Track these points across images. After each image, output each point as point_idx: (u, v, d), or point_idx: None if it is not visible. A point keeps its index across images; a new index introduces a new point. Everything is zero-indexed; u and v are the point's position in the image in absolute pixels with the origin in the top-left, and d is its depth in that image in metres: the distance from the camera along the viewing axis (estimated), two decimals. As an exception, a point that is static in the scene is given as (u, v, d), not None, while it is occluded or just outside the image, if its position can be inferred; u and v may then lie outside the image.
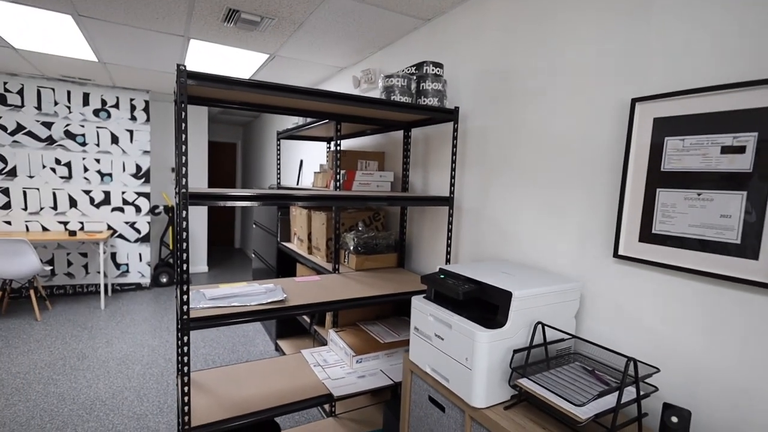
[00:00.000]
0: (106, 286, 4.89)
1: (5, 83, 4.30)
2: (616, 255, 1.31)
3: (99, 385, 2.73)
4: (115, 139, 4.81)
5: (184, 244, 1.37)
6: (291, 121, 4.91)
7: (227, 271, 6.09)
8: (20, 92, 4.36)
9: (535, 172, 1.62)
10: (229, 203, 1.40)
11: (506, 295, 1.22)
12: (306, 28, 2.51)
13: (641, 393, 1.06)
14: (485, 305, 1.33)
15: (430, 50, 2.27)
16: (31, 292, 3.90)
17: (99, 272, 4.85)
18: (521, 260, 1.69)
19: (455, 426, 1.29)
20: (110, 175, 4.83)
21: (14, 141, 4.40)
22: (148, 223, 5.06)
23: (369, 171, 2.37)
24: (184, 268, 1.38)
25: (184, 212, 1.33)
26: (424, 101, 1.89)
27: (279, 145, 3.15)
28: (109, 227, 4.89)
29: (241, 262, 6.78)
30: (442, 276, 1.44)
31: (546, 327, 1.27)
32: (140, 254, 5.08)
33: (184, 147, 1.30)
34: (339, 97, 1.58)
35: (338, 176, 2.17)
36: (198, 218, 5.93)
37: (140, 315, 4.13)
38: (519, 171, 1.70)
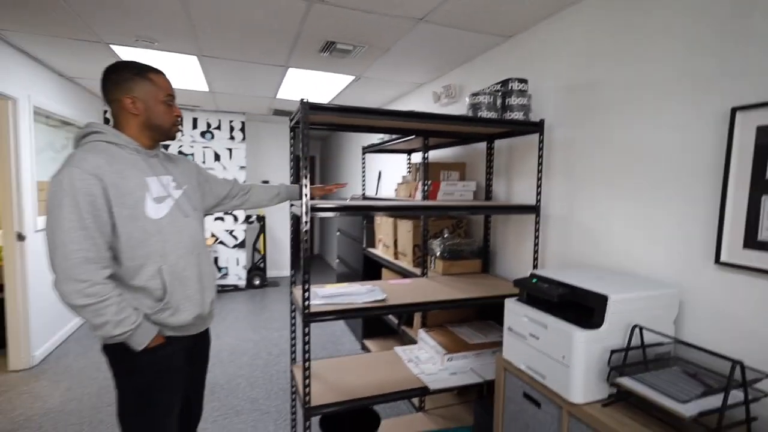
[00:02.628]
0: (210, 286, 5.52)
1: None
2: (717, 261, 1.32)
3: (216, 372, 3.15)
4: (217, 157, 5.47)
5: (305, 250, 1.62)
6: (375, 136, 5.20)
7: (311, 275, 6.53)
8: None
9: (624, 180, 1.66)
10: (342, 213, 1.63)
11: (602, 299, 1.29)
12: (391, 53, 2.74)
13: (749, 397, 1.07)
14: (577, 308, 1.40)
15: (512, 65, 2.36)
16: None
17: (204, 274, 5.50)
18: (611, 266, 1.72)
19: (551, 420, 1.38)
20: (213, 188, 5.48)
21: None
22: (244, 231, 5.65)
23: (452, 181, 2.51)
24: (305, 269, 1.63)
25: (306, 222, 1.58)
26: (509, 115, 1.99)
27: (364, 158, 3.41)
28: (212, 235, 5.55)
29: (322, 267, 7.24)
30: (534, 280, 1.54)
31: (644, 330, 1.32)
32: (237, 259, 5.68)
33: (306, 165, 1.56)
34: (438, 118, 1.76)
35: (426, 187, 2.34)
36: (283, 227, 6.46)
37: (240, 313, 4.63)
38: (607, 180, 1.74)
